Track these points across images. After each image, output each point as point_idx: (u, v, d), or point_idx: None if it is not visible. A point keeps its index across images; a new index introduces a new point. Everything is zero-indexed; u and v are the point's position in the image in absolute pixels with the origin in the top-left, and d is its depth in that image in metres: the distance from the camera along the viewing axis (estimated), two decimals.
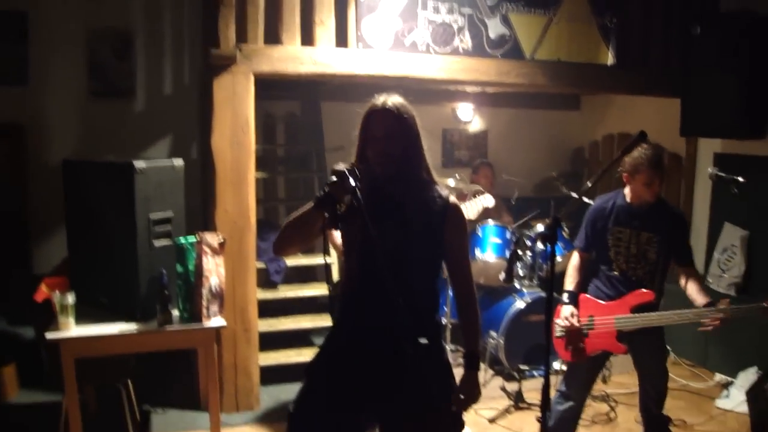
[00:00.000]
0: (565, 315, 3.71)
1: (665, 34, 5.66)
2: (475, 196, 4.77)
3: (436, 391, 2.42)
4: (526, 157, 7.63)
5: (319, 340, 5.43)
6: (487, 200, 4.78)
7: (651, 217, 3.65)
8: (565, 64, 5.36)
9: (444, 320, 5.33)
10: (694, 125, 5.42)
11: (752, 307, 3.41)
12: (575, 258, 3.91)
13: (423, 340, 2.43)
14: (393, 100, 2.52)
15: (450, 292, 5.18)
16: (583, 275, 3.88)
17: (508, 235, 5.61)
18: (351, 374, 2.55)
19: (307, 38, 4.66)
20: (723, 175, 4.41)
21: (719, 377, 5.34)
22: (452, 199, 2.63)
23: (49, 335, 3.40)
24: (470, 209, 4.69)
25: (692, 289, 3.62)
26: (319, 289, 5.55)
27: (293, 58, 4.57)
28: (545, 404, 2.52)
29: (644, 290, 3.62)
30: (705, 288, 3.63)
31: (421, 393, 2.42)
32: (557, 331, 3.76)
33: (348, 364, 2.57)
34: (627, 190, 3.71)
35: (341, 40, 4.75)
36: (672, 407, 4.60)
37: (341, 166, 2.31)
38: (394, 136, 2.47)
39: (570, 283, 3.84)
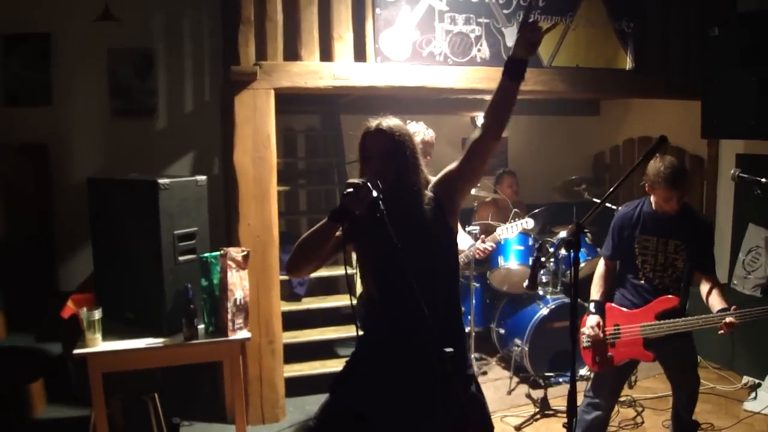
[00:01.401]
0: (591, 325, 3.69)
1: (683, 37, 5.65)
2: (514, 219, 4.80)
3: (466, 403, 2.43)
4: (546, 163, 7.62)
5: (344, 351, 5.45)
6: (528, 223, 4.79)
7: (678, 224, 3.62)
8: (584, 70, 5.36)
9: (468, 329, 5.33)
10: (715, 127, 5.39)
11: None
12: (601, 266, 3.89)
13: (449, 350, 2.44)
14: (386, 122, 2.58)
15: (473, 300, 5.19)
16: (609, 284, 3.86)
17: (530, 241, 5.61)
18: (378, 390, 2.57)
19: (326, 53, 4.70)
20: (745, 176, 4.37)
21: (746, 379, 5.28)
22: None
23: (77, 351, 3.44)
24: (511, 231, 4.75)
25: (709, 296, 3.60)
26: (343, 300, 5.57)
27: (312, 73, 4.61)
28: (572, 411, 2.51)
29: (669, 296, 3.60)
30: (722, 295, 3.59)
31: (451, 406, 2.42)
32: (584, 342, 3.75)
33: (375, 380, 2.59)
34: (652, 198, 3.70)
35: (360, 53, 4.79)
36: (699, 411, 4.55)
37: (356, 179, 2.37)
38: (387, 156, 2.52)
39: (596, 292, 3.82)
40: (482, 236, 4.52)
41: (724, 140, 6.12)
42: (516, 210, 5.53)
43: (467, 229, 4.74)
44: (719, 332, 3.43)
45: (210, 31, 5.98)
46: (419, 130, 3.96)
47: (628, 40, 5.46)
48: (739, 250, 5.77)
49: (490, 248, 4.50)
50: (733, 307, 3.42)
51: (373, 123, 2.58)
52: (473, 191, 5.68)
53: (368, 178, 2.39)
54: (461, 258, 4.47)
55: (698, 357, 5.34)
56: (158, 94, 5.89)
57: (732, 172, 4.50)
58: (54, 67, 5.64)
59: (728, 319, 3.37)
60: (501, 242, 5.42)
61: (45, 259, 5.57)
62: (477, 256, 4.50)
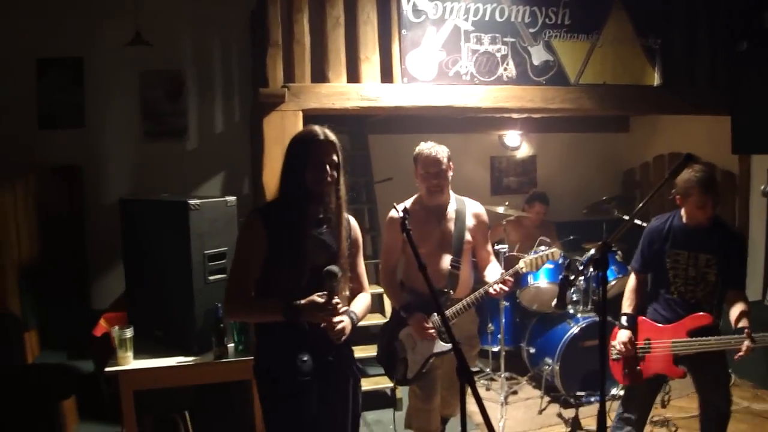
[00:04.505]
0: (622, 340, 3.67)
1: (711, 52, 5.60)
2: (539, 247, 4.45)
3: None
4: (576, 180, 7.58)
5: (372, 369, 5.43)
6: (554, 255, 3.97)
7: (709, 238, 3.59)
8: (611, 87, 5.34)
9: (497, 348, 5.31)
10: (746, 142, 5.34)
11: None
12: (632, 280, 3.87)
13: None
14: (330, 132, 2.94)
15: (503, 319, 5.16)
16: (641, 297, 3.84)
17: (560, 260, 5.57)
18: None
19: (353, 74, 4.74)
20: None
21: None
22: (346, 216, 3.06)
23: (109, 368, 3.49)
24: (535, 265, 3.90)
25: (737, 315, 3.54)
26: (372, 320, 5.56)
27: (340, 94, 4.65)
28: (601, 430, 2.49)
29: (702, 313, 3.57)
30: (748, 315, 3.54)
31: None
32: (613, 355, 3.72)
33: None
34: (683, 211, 3.67)
35: (386, 74, 4.82)
36: (734, 430, 4.47)
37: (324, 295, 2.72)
38: (337, 164, 2.89)
39: (628, 305, 3.80)
40: (501, 272, 3.75)
41: (755, 155, 6.05)
42: (543, 238, 5.47)
43: (496, 247, 4.68)
44: (735, 357, 3.41)
45: (239, 54, 6.06)
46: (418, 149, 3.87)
47: (656, 56, 5.43)
48: None
49: (508, 288, 3.67)
50: (747, 330, 3.39)
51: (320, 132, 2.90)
52: (501, 210, 5.67)
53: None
54: (488, 290, 3.73)
55: (732, 375, 5.29)
56: (188, 115, 5.97)
57: (762, 188, 4.47)
58: (87, 90, 5.75)
59: (746, 344, 3.34)
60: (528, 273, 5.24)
61: (78, 278, 5.65)
62: (495, 293, 3.68)
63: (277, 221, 2.80)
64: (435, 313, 3.63)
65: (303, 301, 2.68)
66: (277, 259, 2.78)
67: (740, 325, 3.46)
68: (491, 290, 3.64)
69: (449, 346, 3.40)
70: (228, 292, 2.87)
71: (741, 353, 3.39)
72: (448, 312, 3.67)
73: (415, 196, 3.92)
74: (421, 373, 3.73)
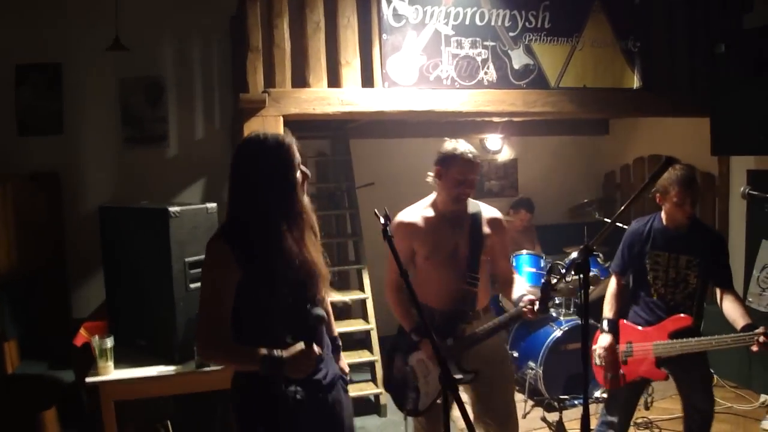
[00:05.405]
0: (603, 345, 3.67)
1: (690, 55, 5.63)
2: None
3: None
4: (557, 183, 7.62)
5: (356, 376, 5.42)
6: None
7: (689, 239, 3.61)
8: (591, 90, 5.36)
9: None
10: (725, 144, 5.37)
11: None
12: (613, 283, 3.88)
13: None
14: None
15: None
16: (621, 301, 3.85)
17: (542, 263, 5.58)
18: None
19: (334, 79, 4.73)
20: (755, 193, 4.36)
21: (764, 398, 5.23)
22: None
23: (89, 379, 3.45)
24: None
25: (731, 311, 3.55)
26: (355, 326, 5.55)
27: (320, 99, 4.63)
28: None
29: (682, 315, 3.58)
30: (745, 309, 3.56)
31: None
32: (596, 359, 3.73)
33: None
34: (663, 213, 3.69)
35: (367, 79, 4.81)
36: (717, 430, 4.50)
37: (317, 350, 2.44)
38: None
39: (609, 310, 3.80)
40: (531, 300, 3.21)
41: (734, 156, 6.10)
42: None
43: None
44: (753, 348, 3.35)
45: (219, 59, 6.03)
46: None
47: (635, 59, 5.46)
48: (753, 266, 5.73)
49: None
50: (762, 327, 3.30)
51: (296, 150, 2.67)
52: None
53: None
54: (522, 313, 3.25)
55: (714, 376, 5.32)
56: (169, 121, 5.93)
57: (742, 189, 4.49)
58: (65, 96, 5.70)
59: (761, 339, 3.30)
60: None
61: (58, 287, 5.59)
62: (532, 317, 3.21)
63: (249, 244, 2.46)
64: (450, 337, 3.24)
65: (286, 354, 2.38)
66: (258, 285, 2.47)
67: (742, 322, 3.43)
68: (526, 312, 3.17)
69: (469, 375, 3.18)
70: (201, 335, 2.48)
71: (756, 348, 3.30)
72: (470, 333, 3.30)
73: (429, 200, 3.45)
74: (434, 404, 3.23)
